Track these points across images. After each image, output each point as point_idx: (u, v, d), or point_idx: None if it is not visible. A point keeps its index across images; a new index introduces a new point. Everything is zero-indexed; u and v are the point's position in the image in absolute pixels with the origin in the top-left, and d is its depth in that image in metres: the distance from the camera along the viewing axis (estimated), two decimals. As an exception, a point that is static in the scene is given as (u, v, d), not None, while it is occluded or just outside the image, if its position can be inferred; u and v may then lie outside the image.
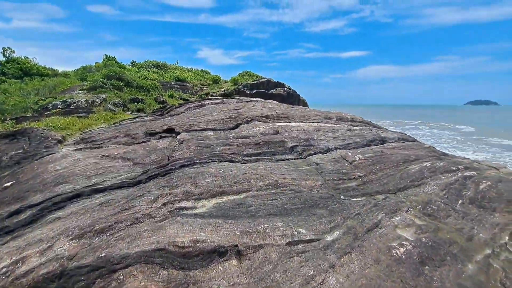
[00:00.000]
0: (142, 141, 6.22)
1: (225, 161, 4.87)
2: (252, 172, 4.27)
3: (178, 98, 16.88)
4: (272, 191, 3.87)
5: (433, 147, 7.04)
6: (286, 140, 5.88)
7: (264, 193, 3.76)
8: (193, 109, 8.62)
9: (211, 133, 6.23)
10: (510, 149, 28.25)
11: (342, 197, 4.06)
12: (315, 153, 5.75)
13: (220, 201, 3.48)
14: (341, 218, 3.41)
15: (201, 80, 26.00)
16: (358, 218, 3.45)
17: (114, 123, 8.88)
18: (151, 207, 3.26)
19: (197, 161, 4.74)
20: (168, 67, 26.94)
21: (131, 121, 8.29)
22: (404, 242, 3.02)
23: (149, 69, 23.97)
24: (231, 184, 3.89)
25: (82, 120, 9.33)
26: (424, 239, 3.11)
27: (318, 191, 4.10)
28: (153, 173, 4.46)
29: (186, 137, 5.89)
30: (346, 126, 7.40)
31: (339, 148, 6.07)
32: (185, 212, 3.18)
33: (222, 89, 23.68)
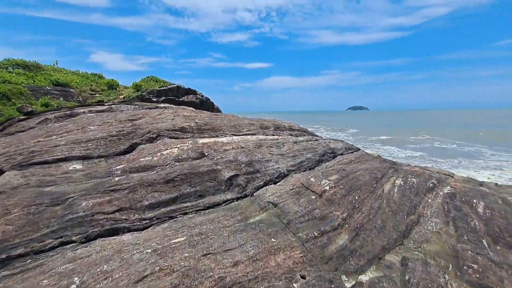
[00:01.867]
0: None
1: (98, 236, 2.23)
2: (165, 265, 1.84)
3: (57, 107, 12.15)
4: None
5: (380, 156, 6.24)
6: (219, 167, 3.64)
7: None
8: (54, 122, 5.23)
9: (77, 166, 3.33)
10: (386, 144, 34.52)
11: (346, 282, 2.15)
12: (265, 184, 3.75)
13: None
14: None
15: (91, 85, 20.64)
16: None
17: None
18: None
19: (20, 252, 1.93)
20: (42, 68, 20.21)
21: None
22: None
23: (11, 70, 17.24)
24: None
25: None
26: None
27: (304, 277, 2.07)
28: None
29: (14, 181, 2.82)
30: (289, 138, 5.74)
31: (293, 171, 4.28)
32: None
33: (121, 96, 19.18)
